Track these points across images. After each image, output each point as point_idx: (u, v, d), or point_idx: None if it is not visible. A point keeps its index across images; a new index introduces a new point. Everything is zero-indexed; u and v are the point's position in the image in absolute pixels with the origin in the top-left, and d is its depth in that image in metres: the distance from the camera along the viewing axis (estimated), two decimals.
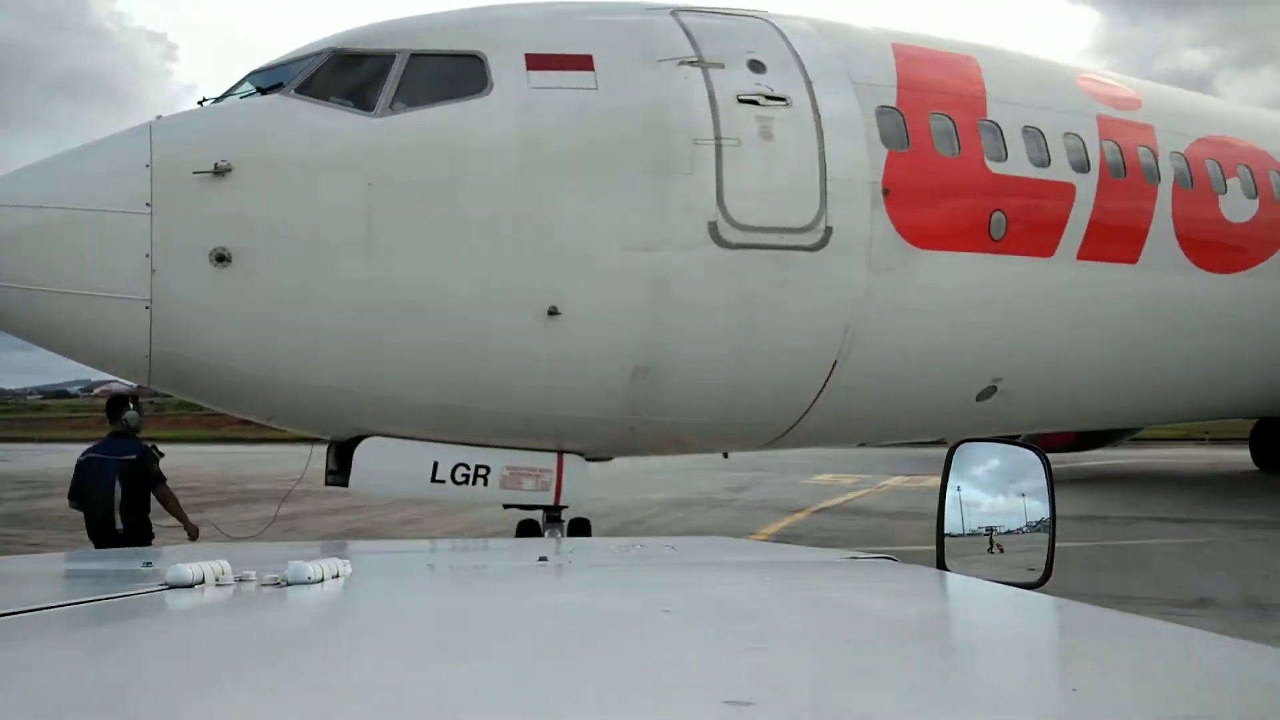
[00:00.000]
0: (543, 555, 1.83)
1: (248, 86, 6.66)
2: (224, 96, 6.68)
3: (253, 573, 1.47)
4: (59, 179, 5.90)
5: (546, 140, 6.60)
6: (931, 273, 7.54)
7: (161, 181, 5.75)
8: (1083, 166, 8.54)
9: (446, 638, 1.14)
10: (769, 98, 7.09)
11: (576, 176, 6.61)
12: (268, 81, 6.58)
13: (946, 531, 1.87)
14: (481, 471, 6.68)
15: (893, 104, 7.67)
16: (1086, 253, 8.42)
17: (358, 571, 1.57)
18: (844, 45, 7.96)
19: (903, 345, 7.65)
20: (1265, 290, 9.96)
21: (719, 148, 6.79)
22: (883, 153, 7.43)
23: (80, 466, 6.56)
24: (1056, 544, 1.79)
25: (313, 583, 1.42)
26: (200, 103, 6.63)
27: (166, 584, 1.41)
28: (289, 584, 1.41)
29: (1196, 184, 9.56)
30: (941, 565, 1.79)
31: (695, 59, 6.98)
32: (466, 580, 1.72)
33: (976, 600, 1.49)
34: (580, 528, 7.41)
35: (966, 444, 1.96)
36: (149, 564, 1.76)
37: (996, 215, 7.90)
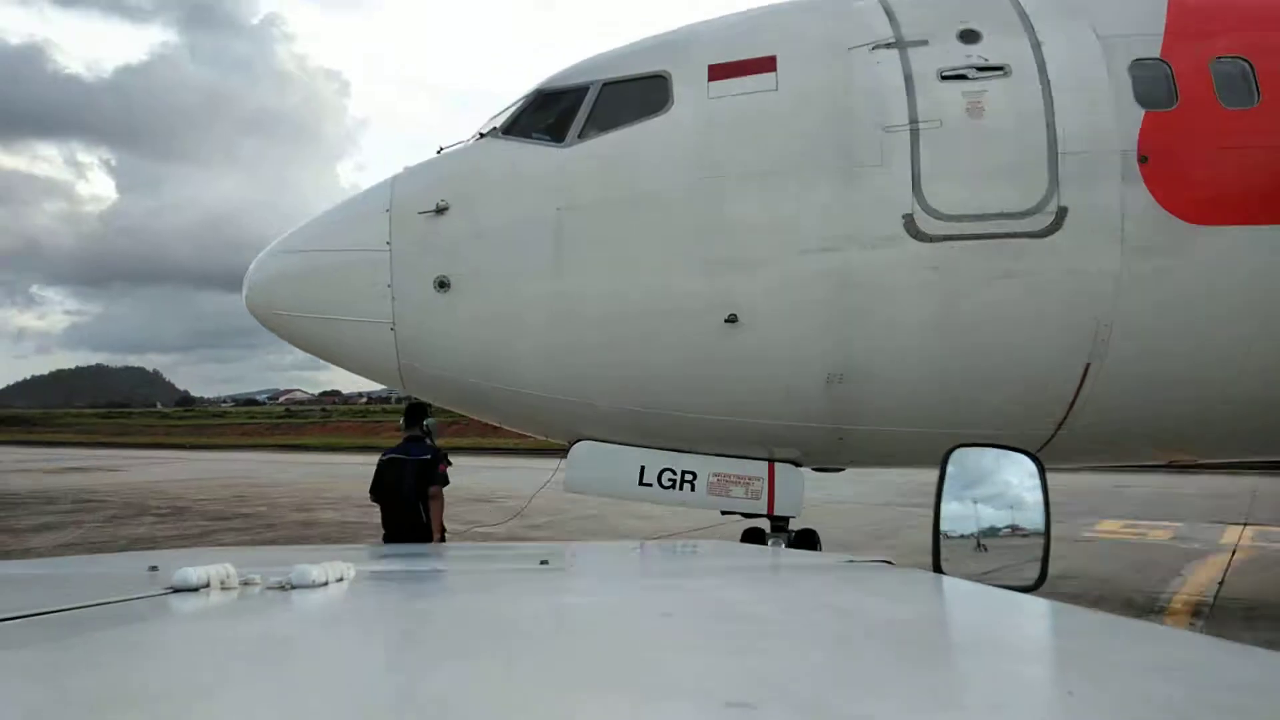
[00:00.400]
0: (544, 558, 1.85)
1: (492, 130, 7.32)
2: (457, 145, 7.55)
3: (257, 576, 1.49)
4: (333, 227, 7.21)
5: (721, 149, 6.62)
6: (1216, 253, 6.20)
7: (396, 222, 6.82)
8: None
9: (449, 640, 1.15)
10: (982, 69, 6.49)
11: (751, 183, 6.57)
12: (489, 127, 7.27)
13: (943, 535, 1.88)
14: (688, 477, 6.94)
15: (1156, 55, 6.47)
16: None
17: (361, 575, 1.58)
18: None
19: (1181, 343, 6.34)
20: None
21: (915, 132, 6.39)
22: (1137, 114, 6.28)
23: (381, 466, 7.57)
24: (1051, 548, 1.81)
25: (317, 586, 1.44)
26: (439, 151, 7.46)
27: (172, 588, 1.42)
28: (293, 588, 1.42)
29: None
30: (938, 569, 1.81)
31: (892, 40, 6.65)
32: (469, 583, 1.73)
33: (972, 603, 1.51)
34: (807, 539, 7.25)
35: (962, 448, 1.97)
36: (154, 568, 1.77)
37: None
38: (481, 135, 7.22)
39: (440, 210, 6.73)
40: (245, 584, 1.46)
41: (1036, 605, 1.44)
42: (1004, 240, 6.19)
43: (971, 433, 6.41)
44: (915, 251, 6.24)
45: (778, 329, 6.45)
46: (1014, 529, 1.91)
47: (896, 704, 0.83)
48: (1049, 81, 6.29)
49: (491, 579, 1.81)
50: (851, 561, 1.93)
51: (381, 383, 8.22)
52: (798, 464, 7.03)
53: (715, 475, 6.90)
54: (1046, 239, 6.14)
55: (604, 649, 1.09)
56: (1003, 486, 1.94)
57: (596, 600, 1.49)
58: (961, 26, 6.56)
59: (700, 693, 0.84)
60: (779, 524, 7.07)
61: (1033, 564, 1.79)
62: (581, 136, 6.73)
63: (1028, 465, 1.90)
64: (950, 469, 1.91)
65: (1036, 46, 6.40)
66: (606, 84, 6.84)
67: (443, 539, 7.33)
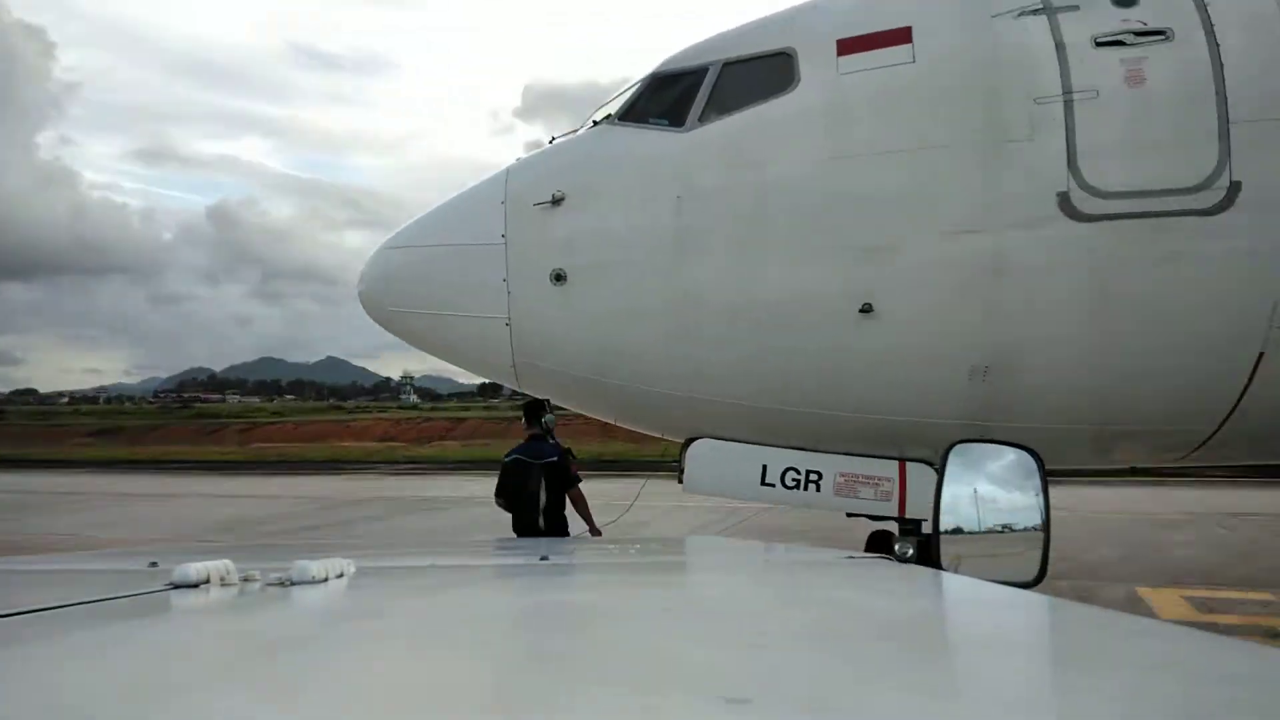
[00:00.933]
0: (544, 555, 1.85)
1: (590, 122, 7.17)
2: (570, 133, 7.32)
3: (257, 572, 1.49)
4: (447, 221, 6.96)
5: (853, 127, 6.22)
6: None
7: (512, 215, 6.60)
8: None
9: (449, 636, 1.15)
10: (1140, 34, 5.98)
11: (886, 162, 6.10)
12: (603, 114, 6.94)
13: (943, 530, 1.88)
14: (813, 477, 6.59)
15: None
16: None
17: (361, 571, 1.59)
18: None
19: None
20: None
21: (1068, 104, 5.89)
22: None
23: (507, 468, 7.44)
24: (1050, 544, 1.81)
25: (317, 582, 1.44)
26: (550, 140, 7.31)
27: (172, 584, 1.42)
28: (293, 584, 1.42)
29: None
30: (937, 564, 1.81)
31: (1040, 6, 6.19)
32: (469, 579, 1.73)
33: (971, 599, 1.51)
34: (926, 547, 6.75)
35: (963, 444, 1.97)
36: (154, 564, 1.77)
37: None
38: (595, 123, 6.97)
39: (556, 201, 6.50)
40: (245, 580, 1.46)
41: (1036, 601, 1.44)
42: (1168, 218, 5.68)
43: (1127, 428, 6.20)
44: (1070, 231, 5.74)
45: (917, 318, 6.03)
46: (1014, 525, 1.92)
47: (895, 698, 0.83)
48: (1217, 45, 5.74)
49: (492, 575, 1.81)
50: (852, 558, 1.93)
51: (497, 380, 8.15)
52: (931, 464, 6.53)
53: (842, 475, 6.54)
54: (1216, 217, 5.62)
55: (604, 644, 1.10)
56: (1003, 482, 1.94)
57: (597, 596, 1.50)
58: None
59: (700, 688, 0.84)
60: (909, 527, 6.56)
61: (1032, 559, 1.80)
62: (702, 120, 6.40)
63: (1027, 461, 1.90)
64: (951, 464, 1.91)
65: (1202, 6, 5.86)
66: (727, 64, 6.53)
67: (597, 534, 7.30)
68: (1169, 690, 0.87)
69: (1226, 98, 5.77)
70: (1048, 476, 1.87)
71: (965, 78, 6.12)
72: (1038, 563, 1.76)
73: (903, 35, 6.32)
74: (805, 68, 6.35)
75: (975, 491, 1.93)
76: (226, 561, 1.51)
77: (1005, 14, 6.21)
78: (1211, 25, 5.91)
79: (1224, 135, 5.77)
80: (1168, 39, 5.93)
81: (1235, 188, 5.72)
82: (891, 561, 1.84)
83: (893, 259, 6.04)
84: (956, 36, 6.31)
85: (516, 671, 0.94)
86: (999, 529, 1.91)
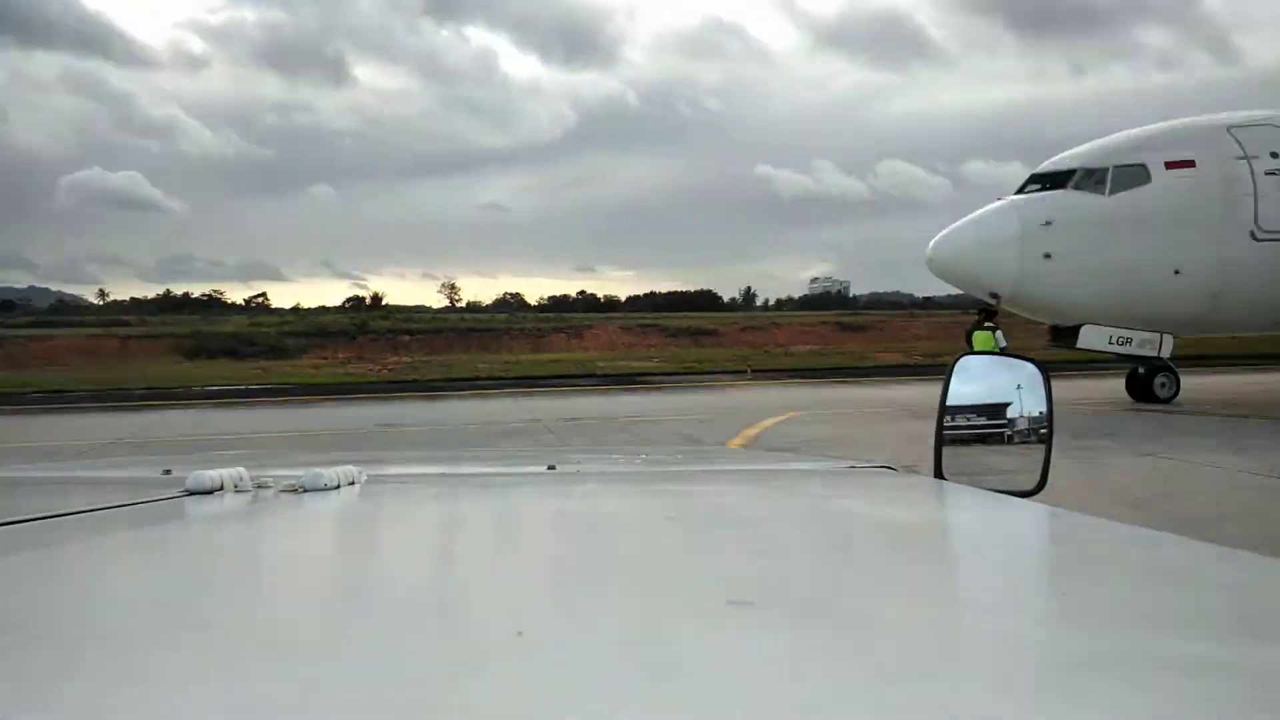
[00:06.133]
0: (552, 464, 1.87)
1: (1034, 185, 15.76)
2: (1024, 186, 15.94)
3: (270, 479, 1.51)
4: (985, 224, 15.35)
5: (1168, 206, 14.53)
6: None
7: (1022, 226, 14.86)
8: None
9: (457, 542, 1.17)
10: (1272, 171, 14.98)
11: (1190, 216, 14.62)
12: (1048, 183, 15.62)
13: (945, 441, 1.90)
14: (1126, 339, 15.16)
15: None
16: None
17: (372, 479, 1.61)
18: None
19: None
20: None
21: (1256, 196, 14.77)
22: None
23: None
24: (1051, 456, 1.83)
25: (329, 489, 1.46)
26: (1019, 190, 15.89)
27: (187, 490, 1.45)
28: (306, 491, 1.45)
29: None
30: (939, 474, 1.83)
31: (1243, 155, 14.67)
32: (477, 487, 1.76)
33: (972, 507, 1.53)
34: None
35: (967, 357, 1.97)
36: (168, 471, 1.80)
37: None
38: (1045, 186, 15.49)
39: (1048, 223, 14.84)
40: (259, 487, 1.49)
41: (1035, 510, 1.45)
42: None
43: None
44: (1254, 247, 16.52)
45: (1200, 277, 15.08)
46: (1016, 436, 1.93)
47: (893, 601, 0.85)
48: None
49: (499, 482, 1.84)
50: (854, 467, 1.95)
51: (1023, 314, 16.59)
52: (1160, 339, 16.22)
53: (1138, 339, 15.90)
54: None
55: (609, 551, 1.12)
56: (1006, 394, 1.94)
57: (603, 504, 1.52)
58: (1271, 149, 18.46)
59: (703, 591, 0.86)
60: (1159, 364, 16.27)
61: (1033, 470, 1.81)
62: (1111, 193, 14.80)
63: (1033, 373, 1.90)
64: (956, 376, 1.91)
65: None
66: (1116, 166, 14.85)
67: None
68: (1163, 596, 0.89)
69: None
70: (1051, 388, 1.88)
71: (1220, 186, 14.27)
72: (1038, 473, 1.77)
73: (1190, 163, 14.62)
74: (1153, 173, 14.73)
75: (978, 402, 1.93)
76: (240, 469, 1.53)
77: (1240, 158, 14.50)
78: None
79: None
80: None
81: None
82: (893, 471, 1.86)
83: (1191, 254, 14.40)
84: (1215, 167, 14.45)
85: (523, 575, 0.96)
86: (1002, 440, 1.92)
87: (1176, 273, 13.93)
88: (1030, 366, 1.90)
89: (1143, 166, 14.24)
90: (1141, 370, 15.13)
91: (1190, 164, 14.12)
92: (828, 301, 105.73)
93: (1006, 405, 1.93)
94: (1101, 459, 10.02)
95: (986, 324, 14.70)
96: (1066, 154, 15.39)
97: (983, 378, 1.96)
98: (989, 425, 1.94)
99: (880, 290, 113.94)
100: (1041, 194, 14.71)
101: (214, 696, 0.57)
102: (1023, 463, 1.86)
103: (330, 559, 1.08)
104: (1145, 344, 14.62)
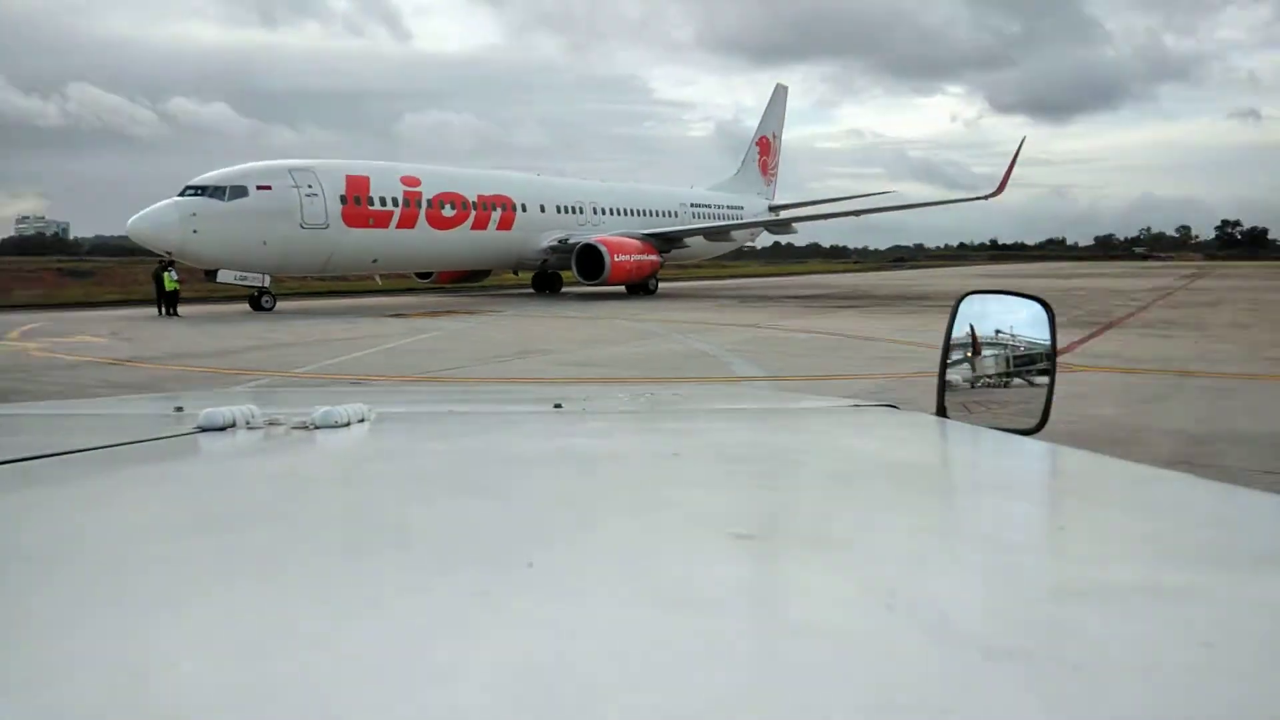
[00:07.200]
0: (558, 402, 1.89)
1: (190, 191, 24.63)
2: (183, 191, 24.96)
3: (281, 416, 1.54)
4: (162, 211, 24.33)
5: (259, 209, 24.72)
6: None
7: (180, 214, 24.22)
8: None
9: (465, 478, 1.19)
10: None
11: (263, 218, 24.70)
12: (196, 191, 24.91)
13: (948, 378, 1.91)
14: (244, 277, 25.30)
15: None
16: None
17: (382, 416, 1.63)
18: None
19: None
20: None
21: None
22: None
23: None
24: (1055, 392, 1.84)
25: (339, 426, 1.48)
26: (180, 194, 24.91)
27: (199, 427, 1.47)
28: (317, 428, 1.47)
29: None
30: (942, 412, 1.84)
31: (295, 185, 25.75)
32: (485, 424, 1.78)
33: (973, 444, 1.55)
34: None
35: (973, 294, 1.97)
36: (180, 409, 1.82)
37: None
38: (194, 193, 24.41)
39: (194, 215, 23.90)
40: (271, 424, 1.51)
41: (1035, 447, 1.47)
42: None
43: None
44: None
45: None
46: (1020, 374, 1.94)
47: (894, 535, 0.87)
48: None
49: (506, 420, 1.86)
50: (857, 405, 1.97)
51: None
52: None
53: None
54: None
55: (615, 486, 1.14)
56: (1010, 332, 1.95)
57: (608, 441, 1.54)
58: None
59: (707, 526, 0.88)
60: None
61: (1035, 408, 1.82)
62: (229, 199, 24.59)
63: (1038, 311, 1.90)
64: (961, 313, 1.91)
65: None
66: (230, 185, 24.57)
67: None
68: (1159, 530, 0.90)
69: None
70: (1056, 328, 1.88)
71: (284, 199, 25.07)
72: (1040, 411, 1.79)
73: (269, 186, 25.15)
74: (251, 191, 25.03)
75: (983, 340, 1.94)
76: (251, 406, 1.55)
77: (294, 186, 25.54)
78: None
79: None
80: None
81: None
82: (895, 408, 1.87)
83: (271, 235, 24.74)
84: (283, 189, 25.15)
85: (530, 511, 0.98)
86: (1005, 378, 1.93)
87: (264, 243, 24.06)
88: (1035, 305, 1.90)
89: (244, 186, 24.18)
90: (261, 297, 24.92)
91: (269, 187, 24.55)
92: (45, 245, 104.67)
93: (1009, 343, 1.94)
94: None
95: (170, 269, 24.43)
96: (207, 175, 24.65)
97: (987, 315, 1.96)
98: (992, 363, 1.95)
99: (106, 234, 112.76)
100: (191, 198, 23.81)
101: (230, 628, 0.59)
102: (1024, 400, 1.87)
103: (344, 494, 1.11)
104: (255, 280, 24.48)
